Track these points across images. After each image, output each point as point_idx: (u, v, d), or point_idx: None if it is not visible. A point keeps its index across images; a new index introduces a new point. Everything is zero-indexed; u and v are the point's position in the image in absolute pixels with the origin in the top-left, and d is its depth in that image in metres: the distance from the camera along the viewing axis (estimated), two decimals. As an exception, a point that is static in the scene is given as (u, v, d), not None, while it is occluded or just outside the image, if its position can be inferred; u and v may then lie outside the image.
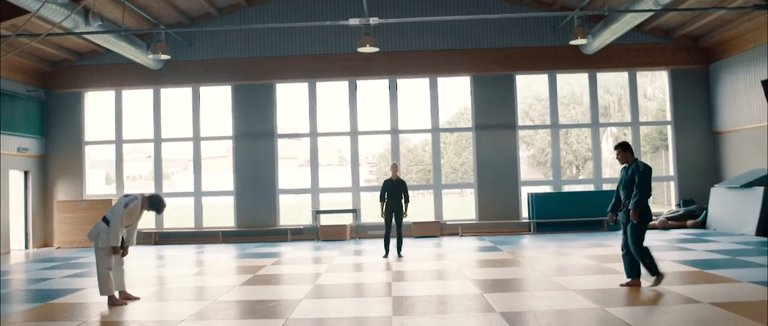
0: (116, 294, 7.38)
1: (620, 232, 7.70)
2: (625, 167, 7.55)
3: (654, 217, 15.63)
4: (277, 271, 10.15)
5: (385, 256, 11.43)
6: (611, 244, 12.44)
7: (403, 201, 11.48)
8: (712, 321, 5.79)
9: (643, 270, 7.47)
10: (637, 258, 7.35)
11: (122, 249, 7.47)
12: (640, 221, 7.27)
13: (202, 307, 7.12)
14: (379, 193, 11.67)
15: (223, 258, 12.49)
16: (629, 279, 7.59)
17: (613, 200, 7.70)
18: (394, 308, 6.71)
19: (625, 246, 7.54)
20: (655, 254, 7.48)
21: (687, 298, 6.74)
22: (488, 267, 9.84)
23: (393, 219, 11.48)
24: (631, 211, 7.28)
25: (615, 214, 7.72)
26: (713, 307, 6.24)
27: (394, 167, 11.71)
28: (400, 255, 11.48)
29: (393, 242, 11.62)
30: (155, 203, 7.50)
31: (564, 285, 7.85)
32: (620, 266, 8.95)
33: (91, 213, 15.82)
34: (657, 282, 7.30)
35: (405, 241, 13.84)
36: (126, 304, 7.30)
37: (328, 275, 9.47)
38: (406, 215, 11.57)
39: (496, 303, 6.77)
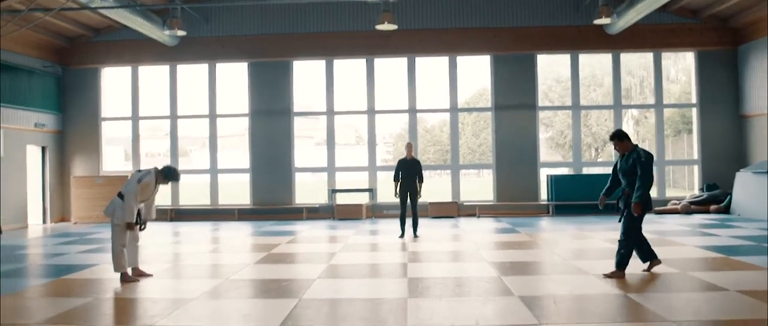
0: (129, 270, 7.31)
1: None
2: (624, 155, 7.18)
3: (677, 201, 15.39)
4: (292, 250, 10.05)
5: (401, 236, 11.29)
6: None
7: (417, 181, 11.31)
8: (739, 309, 5.58)
9: (630, 257, 7.13)
10: (619, 245, 7.02)
11: (140, 225, 7.39)
12: (640, 213, 6.97)
13: (215, 285, 7.03)
14: (393, 173, 11.51)
15: (238, 235, 12.43)
16: (647, 263, 7.35)
17: (608, 184, 7.36)
18: (409, 289, 6.56)
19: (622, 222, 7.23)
20: (655, 248, 7.16)
21: (712, 285, 6.51)
22: (506, 250, 9.66)
23: (408, 199, 11.33)
24: (633, 204, 6.94)
25: (606, 197, 7.36)
26: (740, 295, 6.01)
27: (409, 146, 11.52)
28: (416, 235, 11.33)
29: (409, 222, 11.48)
30: (169, 174, 7.37)
31: (584, 269, 7.65)
32: (657, 250, 8.77)
33: (107, 188, 15.85)
34: (612, 276, 6.97)
35: (421, 221, 13.67)
36: (138, 281, 7.23)
37: (343, 254, 9.35)
38: (421, 195, 11.40)
39: (514, 287, 6.60)
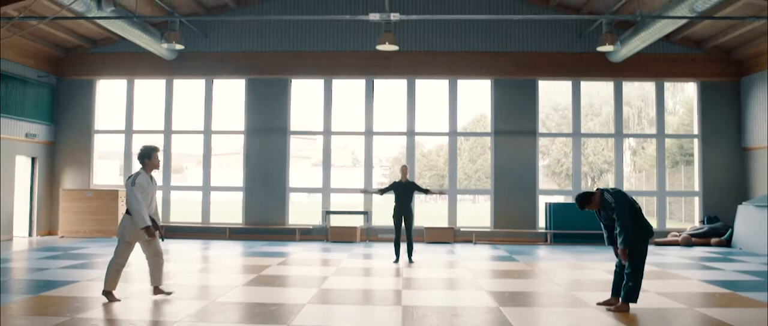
0: (115, 293, 6.96)
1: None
2: (600, 211, 6.89)
3: (677, 234, 15.07)
4: (283, 272, 9.69)
5: (396, 261, 10.94)
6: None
7: (412, 202, 11.06)
8: (754, 350, 5.24)
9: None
10: (627, 277, 6.67)
11: (159, 233, 7.09)
12: (637, 244, 6.65)
13: (200, 307, 6.67)
14: (385, 187, 11.23)
15: (228, 255, 12.06)
16: (610, 297, 7.03)
17: (606, 234, 7.04)
18: (403, 319, 6.22)
19: (620, 265, 6.93)
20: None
21: (724, 323, 6.18)
22: (504, 278, 9.32)
23: (402, 223, 11.01)
24: (619, 251, 6.69)
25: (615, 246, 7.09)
26: (753, 335, 5.68)
27: (404, 169, 11.23)
28: (411, 261, 10.99)
29: (403, 247, 11.14)
30: (145, 153, 6.99)
31: (585, 301, 7.31)
32: (647, 284, 8.44)
33: (97, 203, 15.50)
34: (620, 309, 6.66)
35: (416, 247, 13.34)
36: (119, 301, 6.87)
37: (335, 279, 8.99)
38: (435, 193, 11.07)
39: (514, 319, 6.25)
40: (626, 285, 6.68)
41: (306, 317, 6.26)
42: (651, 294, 7.85)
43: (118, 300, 6.92)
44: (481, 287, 8.35)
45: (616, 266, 7.04)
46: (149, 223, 6.75)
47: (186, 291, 7.94)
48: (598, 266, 10.76)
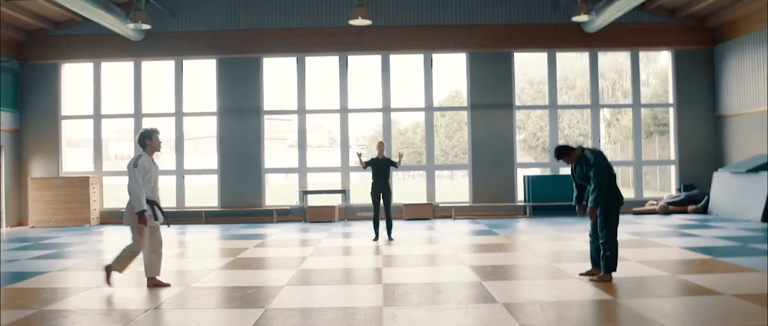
0: (115, 275, 6.78)
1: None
2: (575, 166, 6.82)
3: (654, 202, 15.15)
4: (260, 254, 9.48)
5: (375, 239, 10.79)
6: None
7: (390, 178, 10.89)
8: (738, 314, 5.19)
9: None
10: (603, 247, 6.59)
11: (164, 218, 6.83)
12: (610, 209, 6.58)
13: (175, 294, 6.45)
14: (368, 160, 11.00)
15: (204, 239, 11.82)
16: (591, 267, 6.98)
17: (576, 192, 7.01)
18: (385, 297, 6.07)
19: (594, 233, 6.85)
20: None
21: (706, 289, 6.13)
22: (485, 252, 9.22)
23: (380, 201, 10.84)
24: (588, 209, 6.62)
25: (582, 206, 7.01)
26: (736, 299, 5.63)
27: (381, 145, 11.03)
28: (390, 238, 10.84)
29: (382, 224, 10.99)
30: (146, 135, 6.69)
31: (567, 272, 7.24)
32: (627, 253, 8.41)
33: (67, 191, 15.09)
34: (602, 279, 6.59)
35: (395, 223, 13.21)
36: (112, 286, 6.67)
37: (314, 259, 8.81)
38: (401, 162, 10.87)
39: (497, 292, 6.14)
40: (604, 256, 6.60)
41: (285, 299, 6.08)
42: (632, 262, 7.81)
43: (110, 285, 6.70)
44: (462, 262, 8.24)
45: (590, 236, 6.96)
46: (145, 208, 6.43)
47: (160, 277, 7.70)
48: (578, 237, 10.73)
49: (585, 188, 6.83)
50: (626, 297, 5.85)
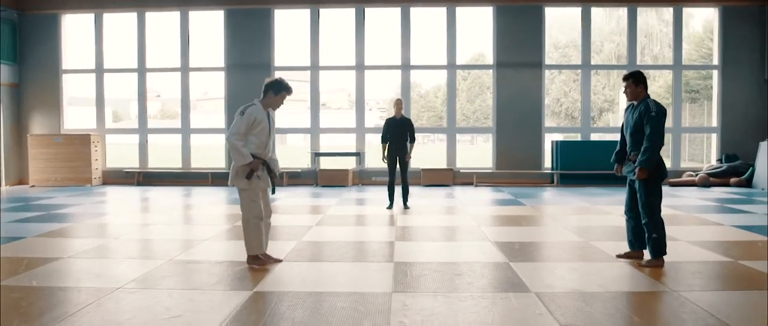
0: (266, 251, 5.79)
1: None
2: (631, 106, 5.72)
3: (693, 173, 13.94)
4: (275, 221, 8.54)
5: (389, 207, 9.81)
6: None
7: (408, 143, 9.78)
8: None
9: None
10: (647, 229, 5.57)
11: (272, 180, 5.66)
12: (653, 181, 5.53)
13: (150, 270, 5.53)
14: (381, 135, 9.94)
15: (206, 202, 10.95)
16: (630, 250, 5.93)
17: (618, 147, 5.92)
18: (395, 280, 5.10)
19: (631, 210, 5.81)
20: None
21: (783, 280, 5.06)
22: (511, 226, 8.20)
23: (397, 165, 9.81)
24: (637, 169, 5.52)
25: (622, 165, 5.92)
26: (826, 296, 4.56)
27: (399, 103, 9.87)
28: (406, 207, 9.85)
29: (398, 191, 9.98)
30: (274, 85, 5.51)
31: (606, 252, 6.19)
32: (673, 231, 7.33)
33: (68, 149, 14.30)
34: (652, 264, 5.55)
35: (412, 190, 12.22)
36: (280, 260, 5.76)
37: (319, 230, 7.86)
38: (411, 157, 9.85)
39: (528, 278, 5.13)
40: (650, 238, 5.56)
41: (276, 279, 5.13)
42: (682, 243, 6.74)
43: (279, 260, 5.81)
44: (485, 237, 7.23)
45: (625, 213, 5.91)
46: (251, 159, 5.34)
47: (142, 247, 6.81)
48: (612, 210, 9.64)
49: (629, 141, 5.74)
50: (686, 289, 4.80)
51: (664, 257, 5.62)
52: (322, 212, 9.56)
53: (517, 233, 7.58)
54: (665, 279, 5.12)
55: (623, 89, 5.77)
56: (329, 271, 5.55)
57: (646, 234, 5.60)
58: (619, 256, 5.97)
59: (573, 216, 9.09)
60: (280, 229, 7.79)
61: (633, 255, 5.89)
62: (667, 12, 31.48)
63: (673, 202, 10.65)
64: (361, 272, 5.50)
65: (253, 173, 5.41)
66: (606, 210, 9.62)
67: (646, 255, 5.75)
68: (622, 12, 34.28)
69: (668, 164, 14.56)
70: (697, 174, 13.87)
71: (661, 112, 5.50)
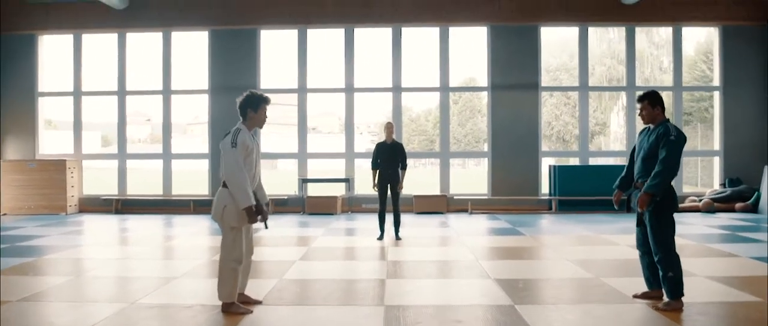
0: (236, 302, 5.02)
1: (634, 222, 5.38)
2: (646, 129, 5.15)
3: (696, 199, 13.41)
4: (254, 255, 7.89)
5: (380, 238, 9.17)
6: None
7: (399, 169, 9.19)
8: None
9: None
10: (660, 266, 4.96)
11: (263, 217, 4.94)
12: (664, 211, 4.95)
13: (108, 315, 4.87)
14: (371, 160, 9.35)
15: (185, 233, 10.28)
16: (648, 290, 5.33)
17: (624, 172, 5.35)
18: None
19: (644, 244, 5.23)
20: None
21: (826, 327, 4.47)
22: (511, 259, 7.58)
23: (388, 192, 9.20)
24: (641, 195, 4.95)
25: (622, 192, 5.36)
26: None
27: (389, 127, 9.28)
28: (398, 238, 9.21)
29: (390, 220, 9.35)
30: (248, 101, 4.90)
31: (624, 292, 5.57)
32: (693, 264, 6.75)
33: (41, 175, 13.61)
34: (670, 307, 4.90)
35: (405, 219, 11.60)
36: (249, 313, 4.93)
37: (303, 265, 7.21)
38: (402, 187, 9.24)
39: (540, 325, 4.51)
40: (665, 278, 4.95)
41: (250, 329, 4.48)
42: (699, 278, 6.16)
43: (258, 301, 5.21)
44: (485, 273, 6.60)
45: (638, 248, 5.34)
46: (253, 202, 4.72)
47: (106, 286, 6.14)
48: (619, 239, 9.04)
49: (638, 166, 5.16)
50: (721, 339, 4.20)
51: (683, 297, 5.01)
52: (308, 244, 8.91)
53: (518, 268, 6.97)
54: (690, 323, 4.51)
55: (638, 111, 5.23)
56: (312, 317, 4.91)
57: (661, 272, 5.00)
58: (635, 296, 5.38)
59: (577, 247, 8.48)
60: (261, 265, 7.13)
61: (652, 294, 5.30)
62: (657, 34, 31.29)
63: (680, 230, 10.03)
64: (349, 319, 4.86)
65: (258, 216, 4.76)
66: (612, 240, 9.02)
67: (664, 295, 5.14)
68: (614, 35, 34.08)
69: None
70: (700, 200, 13.34)
71: (682, 137, 4.95)
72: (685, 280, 5.22)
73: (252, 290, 5.49)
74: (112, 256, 7.90)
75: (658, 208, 4.95)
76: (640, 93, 5.27)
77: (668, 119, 5.11)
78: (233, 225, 4.79)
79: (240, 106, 4.92)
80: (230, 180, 4.65)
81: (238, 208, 4.68)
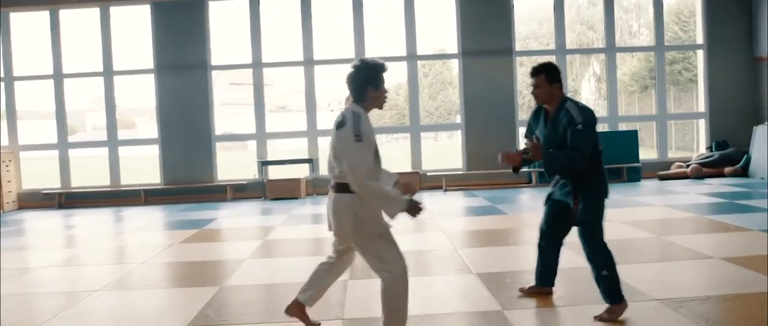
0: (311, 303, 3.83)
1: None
2: (540, 111, 4.16)
3: (682, 163, 12.64)
4: (186, 253, 6.80)
5: (345, 226, 8.09)
6: (642, 199, 9.32)
7: None
8: None
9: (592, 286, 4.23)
10: (592, 263, 3.97)
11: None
12: (597, 198, 3.95)
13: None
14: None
15: (128, 229, 9.13)
16: (536, 286, 4.45)
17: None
18: (342, 357, 3.42)
19: (548, 237, 4.28)
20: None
21: None
22: (494, 246, 6.59)
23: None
24: (533, 146, 4.01)
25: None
26: None
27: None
28: (365, 225, 8.15)
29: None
30: (369, 73, 3.43)
31: (635, 285, 4.60)
32: (702, 241, 5.84)
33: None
34: (610, 317, 3.88)
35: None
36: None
37: (252, 264, 6.13)
38: None
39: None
40: (601, 277, 3.94)
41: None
42: (717, 261, 5.23)
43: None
44: (466, 266, 5.60)
45: (541, 240, 4.36)
46: (403, 197, 3.39)
47: (21, 301, 4.98)
48: (611, 215, 8.08)
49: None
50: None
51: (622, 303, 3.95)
52: (265, 234, 7.82)
53: (503, 257, 5.98)
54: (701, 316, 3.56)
55: (532, 89, 4.07)
56: (250, 341, 3.84)
57: (594, 273, 3.98)
58: (523, 291, 4.50)
59: (565, 226, 7.52)
60: (202, 267, 6.02)
61: (543, 291, 4.42)
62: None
63: (671, 200, 9.21)
64: (296, 341, 3.80)
65: (418, 209, 3.43)
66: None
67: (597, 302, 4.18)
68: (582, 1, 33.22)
69: (653, 155, 13.24)
70: (687, 165, 12.52)
71: (590, 120, 3.86)
72: (701, 262, 4.29)
73: (183, 306, 4.39)
74: (28, 263, 6.71)
75: (589, 198, 3.93)
76: (537, 65, 4.05)
77: (568, 97, 4.02)
78: (381, 233, 3.50)
79: (354, 81, 3.48)
80: (364, 188, 3.33)
81: (392, 210, 3.38)
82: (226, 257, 6.56)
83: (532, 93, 4.07)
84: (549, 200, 4.28)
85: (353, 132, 3.31)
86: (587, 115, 3.86)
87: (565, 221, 4.08)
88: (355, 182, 3.31)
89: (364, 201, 3.36)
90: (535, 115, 4.20)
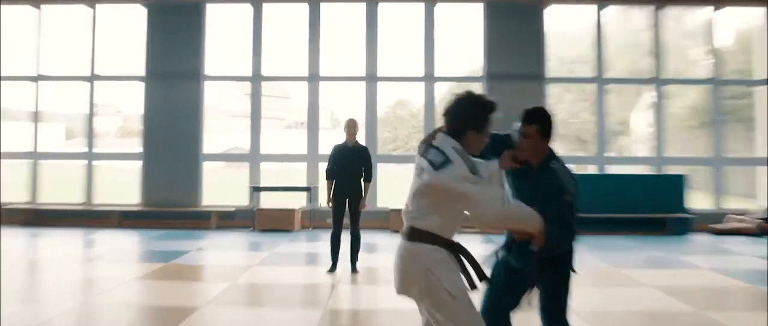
0: None
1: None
2: (523, 170, 3.49)
3: (739, 215, 11.91)
4: (132, 295, 6.32)
5: (331, 270, 7.56)
6: (687, 259, 8.63)
7: (362, 180, 7.61)
8: None
9: None
10: None
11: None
12: (565, 268, 3.52)
13: None
14: (326, 167, 7.75)
15: (87, 257, 8.79)
16: None
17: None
18: None
19: (496, 308, 3.57)
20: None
21: None
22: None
23: (346, 208, 7.58)
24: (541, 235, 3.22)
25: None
26: None
27: (351, 125, 7.68)
28: (354, 270, 7.60)
29: (347, 246, 7.70)
30: (477, 111, 3.09)
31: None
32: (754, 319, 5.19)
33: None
34: None
35: (380, 237, 10.09)
36: None
37: (214, 310, 5.61)
38: (365, 206, 7.64)
39: None
40: None
41: None
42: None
43: None
44: None
45: (485, 313, 3.51)
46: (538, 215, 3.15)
47: None
48: (644, 277, 7.45)
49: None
50: None
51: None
52: (237, 276, 7.31)
53: None
54: None
55: (520, 136, 3.45)
56: None
57: None
58: None
59: (590, 288, 6.88)
60: (149, 312, 5.53)
61: None
62: (690, 20, 29.76)
63: (723, 263, 8.47)
64: None
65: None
66: (635, 278, 7.43)
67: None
68: (638, 23, 32.64)
69: (707, 204, 12.47)
70: (747, 218, 11.68)
71: (577, 188, 3.40)
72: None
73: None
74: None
75: (560, 272, 3.49)
76: (530, 109, 3.50)
77: (554, 155, 3.48)
78: (459, 288, 3.03)
79: (454, 117, 3.12)
80: (501, 215, 3.03)
81: (535, 224, 3.10)
82: (179, 302, 6.04)
83: (520, 143, 3.47)
84: (501, 266, 3.64)
85: (468, 169, 2.95)
86: (575, 181, 3.40)
87: (519, 295, 3.52)
88: (491, 216, 2.99)
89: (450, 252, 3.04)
90: (514, 174, 3.59)
